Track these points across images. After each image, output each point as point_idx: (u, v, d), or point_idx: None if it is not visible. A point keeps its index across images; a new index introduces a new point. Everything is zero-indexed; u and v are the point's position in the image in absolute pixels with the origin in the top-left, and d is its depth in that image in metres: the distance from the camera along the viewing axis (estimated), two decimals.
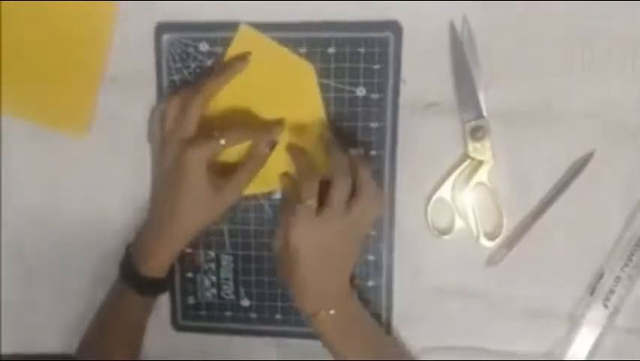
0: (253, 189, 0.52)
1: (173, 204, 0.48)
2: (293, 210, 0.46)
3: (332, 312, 0.47)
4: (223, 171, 0.49)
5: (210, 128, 0.48)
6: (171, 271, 0.53)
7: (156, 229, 0.50)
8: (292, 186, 0.52)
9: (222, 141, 0.47)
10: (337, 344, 0.48)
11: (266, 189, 0.53)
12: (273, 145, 0.50)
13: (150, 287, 0.51)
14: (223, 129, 0.48)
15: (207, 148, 0.47)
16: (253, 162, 0.50)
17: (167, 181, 0.49)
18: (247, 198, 0.53)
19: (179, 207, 0.48)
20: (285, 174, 0.52)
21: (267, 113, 0.52)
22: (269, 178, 0.52)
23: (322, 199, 0.46)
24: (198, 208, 0.49)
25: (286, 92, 0.51)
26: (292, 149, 0.51)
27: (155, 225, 0.51)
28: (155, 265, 0.50)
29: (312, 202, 0.46)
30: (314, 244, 0.46)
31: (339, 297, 0.48)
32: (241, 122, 0.52)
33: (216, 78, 0.49)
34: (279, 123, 0.51)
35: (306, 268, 0.46)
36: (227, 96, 0.51)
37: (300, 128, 0.51)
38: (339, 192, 0.46)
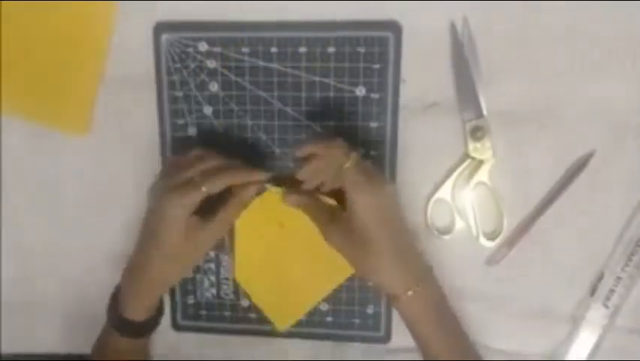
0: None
1: (151, 251, 0.47)
2: (356, 182, 0.43)
3: (417, 289, 0.45)
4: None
5: None
6: (157, 314, 0.52)
7: (136, 274, 0.49)
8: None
9: (204, 189, 0.45)
10: (422, 322, 0.46)
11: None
12: (256, 191, 0.48)
13: (130, 329, 0.50)
14: (205, 176, 0.45)
15: (188, 197, 0.45)
16: (233, 205, 0.47)
17: (147, 228, 0.48)
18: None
19: (156, 256, 0.47)
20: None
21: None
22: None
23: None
24: (175, 257, 0.47)
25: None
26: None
27: (136, 270, 0.49)
28: (135, 309, 0.49)
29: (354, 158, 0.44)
30: (386, 212, 0.44)
31: (422, 271, 0.46)
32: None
33: (225, 163, 0.47)
34: (261, 171, 0.48)
35: (385, 241, 0.44)
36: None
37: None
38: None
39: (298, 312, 0.55)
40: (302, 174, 0.47)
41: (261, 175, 0.48)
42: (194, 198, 0.45)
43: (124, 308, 0.49)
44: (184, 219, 0.45)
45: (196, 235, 0.46)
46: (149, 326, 0.51)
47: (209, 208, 0.47)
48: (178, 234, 0.45)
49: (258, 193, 0.49)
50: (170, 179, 0.46)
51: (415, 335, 0.47)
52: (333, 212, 0.47)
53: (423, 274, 0.46)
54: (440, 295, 0.48)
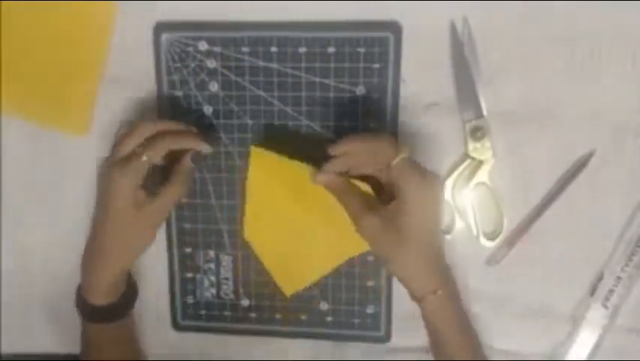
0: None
1: (102, 227, 0.47)
2: (412, 174, 0.43)
3: (443, 290, 0.45)
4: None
5: None
6: (127, 296, 0.51)
7: (90, 254, 0.49)
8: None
9: (144, 158, 0.45)
10: (444, 322, 0.46)
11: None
12: (198, 157, 0.49)
13: (97, 314, 0.49)
14: (145, 145, 0.46)
15: (130, 167, 0.45)
16: (178, 177, 0.48)
17: (98, 206, 0.48)
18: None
19: (107, 231, 0.47)
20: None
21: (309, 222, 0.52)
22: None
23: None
24: (126, 230, 0.47)
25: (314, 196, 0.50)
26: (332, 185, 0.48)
27: (90, 250, 0.49)
28: (96, 290, 0.49)
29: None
30: (434, 203, 0.44)
31: (446, 272, 0.46)
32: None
33: (163, 123, 0.48)
34: (198, 134, 0.49)
35: (418, 243, 0.44)
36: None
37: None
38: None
39: (306, 279, 0.54)
40: (334, 151, 0.45)
41: (200, 143, 0.48)
42: (137, 167, 0.45)
43: (85, 292, 0.49)
44: (130, 190, 0.46)
45: (145, 210, 0.46)
46: (117, 307, 0.50)
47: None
48: (126, 205, 0.46)
49: (197, 161, 0.48)
50: (112, 152, 0.46)
51: (434, 334, 0.47)
52: (368, 201, 0.45)
53: (447, 274, 0.47)
54: (458, 294, 0.48)
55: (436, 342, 0.47)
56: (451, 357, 0.46)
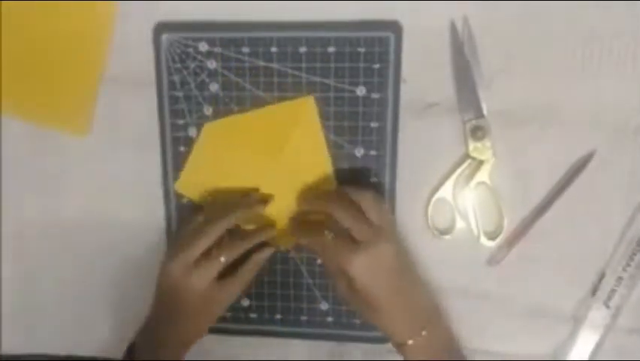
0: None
1: (172, 316, 0.48)
2: (344, 250, 0.45)
3: (419, 337, 0.46)
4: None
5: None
6: None
7: (155, 335, 0.50)
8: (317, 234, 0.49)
9: (222, 259, 0.48)
10: None
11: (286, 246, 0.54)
12: (270, 251, 0.52)
13: None
14: (222, 246, 0.48)
15: (210, 270, 0.48)
16: (251, 266, 0.50)
17: (167, 296, 0.49)
18: None
19: (177, 319, 0.48)
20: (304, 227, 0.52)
21: (274, 167, 0.52)
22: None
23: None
24: (197, 318, 0.49)
25: (287, 141, 0.52)
26: (303, 201, 0.52)
27: (155, 331, 0.50)
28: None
29: (360, 230, 0.45)
30: (382, 272, 0.45)
31: (425, 318, 0.47)
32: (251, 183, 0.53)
33: (231, 216, 0.49)
34: (271, 227, 0.52)
35: (384, 298, 0.45)
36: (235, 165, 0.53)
37: (305, 171, 0.52)
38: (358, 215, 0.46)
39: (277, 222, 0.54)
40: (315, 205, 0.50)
41: (271, 231, 0.52)
42: (214, 268, 0.48)
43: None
44: (205, 287, 0.48)
45: (215, 296, 0.49)
46: None
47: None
48: (200, 300, 0.48)
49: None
50: (187, 253, 0.47)
51: None
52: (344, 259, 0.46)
53: (426, 320, 0.47)
54: (447, 338, 0.49)
55: None
56: None
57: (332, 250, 0.46)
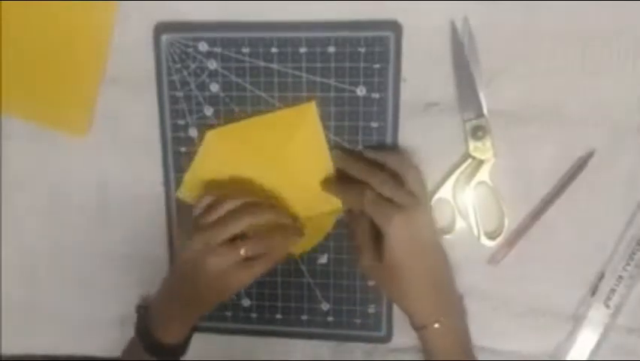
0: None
1: (191, 283, 0.48)
2: (386, 207, 0.43)
3: (444, 321, 0.45)
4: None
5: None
6: (187, 338, 0.52)
7: (173, 305, 0.50)
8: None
9: (242, 252, 0.47)
10: (443, 355, 0.45)
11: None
12: (286, 252, 0.51)
13: (168, 352, 0.50)
14: (245, 238, 0.47)
15: (228, 258, 0.47)
16: (264, 262, 0.49)
17: (185, 272, 0.48)
18: None
19: (197, 286, 0.48)
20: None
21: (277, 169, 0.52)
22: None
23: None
24: (214, 295, 0.49)
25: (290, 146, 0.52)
26: (326, 184, 0.51)
27: (172, 300, 0.50)
28: (173, 334, 0.50)
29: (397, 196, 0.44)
30: (418, 241, 0.44)
31: (451, 304, 0.46)
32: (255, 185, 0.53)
33: (264, 214, 0.49)
34: (298, 227, 0.51)
35: (414, 271, 0.44)
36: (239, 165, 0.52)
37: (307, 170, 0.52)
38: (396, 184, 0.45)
39: None
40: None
41: (296, 240, 0.50)
42: (233, 259, 0.47)
43: (158, 331, 0.49)
44: (223, 271, 0.47)
45: (226, 280, 0.47)
46: (183, 347, 0.52)
47: None
48: (213, 280, 0.47)
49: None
50: (214, 233, 0.46)
51: None
52: (373, 237, 0.46)
53: (452, 306, 0.46)
54: (464, 330, 0.48)
55: None
56: None
57: (372, 206, 0.44)
